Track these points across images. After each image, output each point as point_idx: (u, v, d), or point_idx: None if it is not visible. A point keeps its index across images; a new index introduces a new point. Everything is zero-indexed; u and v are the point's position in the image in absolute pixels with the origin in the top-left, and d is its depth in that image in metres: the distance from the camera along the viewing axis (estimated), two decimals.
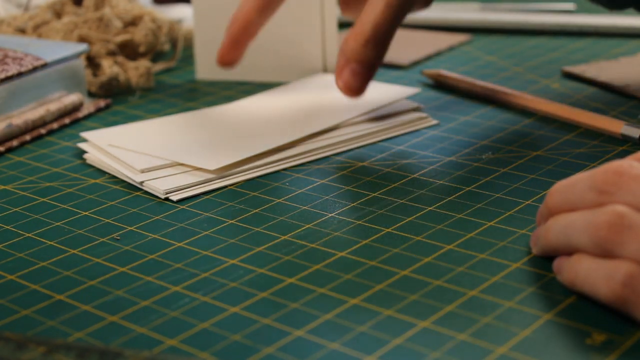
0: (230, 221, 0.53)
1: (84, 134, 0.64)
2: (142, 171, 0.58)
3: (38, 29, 0.77)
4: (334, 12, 0.73)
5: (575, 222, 0.44)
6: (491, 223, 0.52)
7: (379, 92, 0.68)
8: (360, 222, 0.52)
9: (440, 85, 0.73)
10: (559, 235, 0.46)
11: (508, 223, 0.52)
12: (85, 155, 0.62)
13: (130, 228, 0.53)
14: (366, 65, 0.61)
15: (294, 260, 0.49)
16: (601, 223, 0.42)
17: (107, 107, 0.72)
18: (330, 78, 0.71)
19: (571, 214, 0.45)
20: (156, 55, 0.81)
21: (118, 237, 0.52)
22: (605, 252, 0.42)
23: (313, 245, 0.50)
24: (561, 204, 0.46)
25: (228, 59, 0.67)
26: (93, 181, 0.59)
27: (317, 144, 0.62)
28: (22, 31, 0.77)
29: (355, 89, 0.61)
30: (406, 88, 0.69)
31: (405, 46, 0.83)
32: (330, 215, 0.53)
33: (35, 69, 0.67)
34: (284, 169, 0.59)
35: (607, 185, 0.43)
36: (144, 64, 0.75)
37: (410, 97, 0.70)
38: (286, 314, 0.44)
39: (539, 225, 0.49)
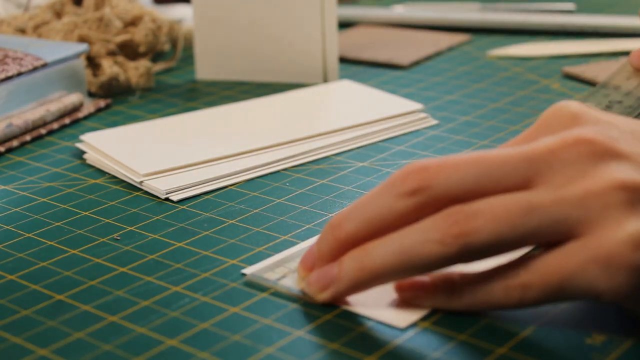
0: (230, 221, 0.53)
1: (83, 137, 0.63)
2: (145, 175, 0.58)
3: (38, 29, 0.77)
4: (334, 12, 0.73)
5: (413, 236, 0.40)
6: None
7: (379, 104, 0.67)
8: None
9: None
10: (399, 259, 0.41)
11: None
12: (85, 156, 0.62)
13: (130, 228, 0.53)
14: None
15: None
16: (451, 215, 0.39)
17: (107, 107, 0.72)
18: (353, 86, 0.71)
19: (394, 235, 0.41)
20: (156, 55, 0.81)
21: (118, 237, 0.52)
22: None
23: None
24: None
25: None
26: (93, 181, 0.59)
27: (317, 144, 0.62)
28: (22, 31, 0.77)
29: None
30: (409, 102, 0.68)
31: (405, 46, 0.83)
32: (330, 215, 0.53)
33: (35, 69, 0.67)
34: (284, 169, 0.59)
35: (415, 182, 0.40)
36: (144, 64, 0.75)
37: (410, 97, 0.70)
38: (286, 314, 0.44)
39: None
